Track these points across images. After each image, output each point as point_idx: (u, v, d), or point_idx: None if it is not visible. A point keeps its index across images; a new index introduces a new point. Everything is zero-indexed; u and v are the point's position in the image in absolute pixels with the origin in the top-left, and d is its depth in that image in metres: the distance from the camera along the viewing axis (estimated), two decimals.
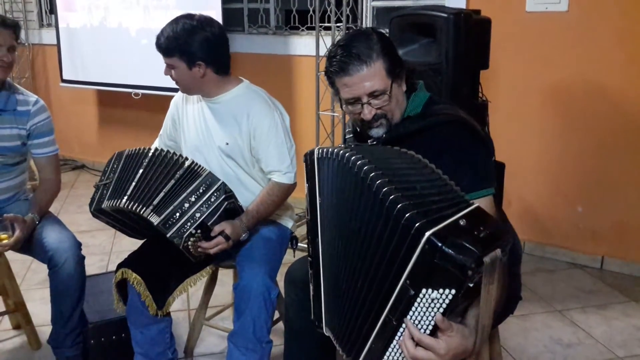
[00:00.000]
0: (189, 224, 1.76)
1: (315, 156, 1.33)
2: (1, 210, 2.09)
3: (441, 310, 1.06)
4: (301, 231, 3.55)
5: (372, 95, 1.40)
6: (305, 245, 3.54)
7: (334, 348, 1.74)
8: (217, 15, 3.67)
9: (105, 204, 1.87)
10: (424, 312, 1.07)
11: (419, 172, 1.22)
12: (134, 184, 1.83)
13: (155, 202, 1.77)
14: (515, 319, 2.52)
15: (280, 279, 1.98)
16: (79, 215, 3.91)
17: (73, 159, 5.18)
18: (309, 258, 1.39)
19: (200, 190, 1.79)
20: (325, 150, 1.31)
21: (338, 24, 3.34)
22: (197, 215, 1.77)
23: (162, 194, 1.78)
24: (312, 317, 1.42)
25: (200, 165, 1.85)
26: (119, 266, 1.91)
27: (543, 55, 3.03)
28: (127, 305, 1.95)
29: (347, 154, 1.22)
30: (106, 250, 3.38)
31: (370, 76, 1.38)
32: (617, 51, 2.87)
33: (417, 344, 1.09)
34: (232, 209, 1.84)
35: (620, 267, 3.06)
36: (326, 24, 3.39)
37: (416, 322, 1.08)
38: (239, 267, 1.89)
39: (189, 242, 1.77)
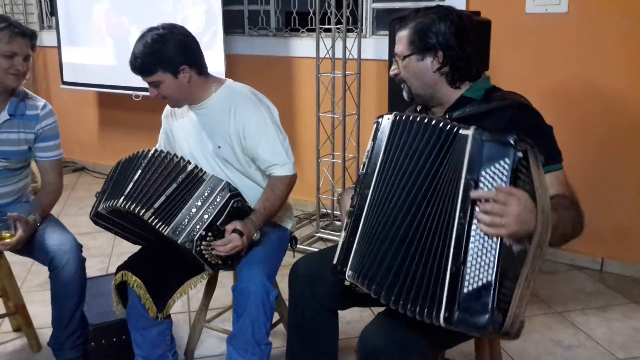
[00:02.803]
0: (197, 226, 1.75)
1: (392, 119, 1.48)
2: (2, 214, 2.09)
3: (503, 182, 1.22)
4: (302, 233, 3.56)
5: (395, 54, 1.61)
6: (306, 247, 3.57)
7: (337, 341, 1.78)
8: (217, 17, 3.68)
9: (101, 206, 1.87)
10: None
11: None
12: (131, 184, 1.82)
13: (156, 206, 1.76)
14: None
15: (281, 280, 1.99)
16: (79, 218, 3.91)
17: (74, 161, 5.18)
18: (350, 208, 1.49)
19: (206, 194, 1.79)
20: (402, 114, 1.48)
21: (338, 26, 3.34)
22: (205, 217, 1.76)
23: (163, 198, 1.77)
24: (334, 262, 1.48)
25: (202, 170, 1.84)
26: (119, 269, 1.91)
27: (543, 57, 3.04)
28: (127, 308, 1.95)
29: (426, 118, 1.42)
30: (107, 252, 3.38)
31: (399, 39, 1.60)
32: (617, 53, 2.87)
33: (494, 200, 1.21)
34: (240, 208, 1.84)
35: (620, 269, 3.06)
36: (326, 26, 3.39)
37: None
38: (238, 269, 1.89)
39: (202, 246, 1.76)
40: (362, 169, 1.51)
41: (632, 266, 3.02)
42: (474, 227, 1.22)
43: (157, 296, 1.87)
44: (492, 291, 1.18)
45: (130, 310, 1.93)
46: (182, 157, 1.88)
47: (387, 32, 3.09)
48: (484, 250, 1.20)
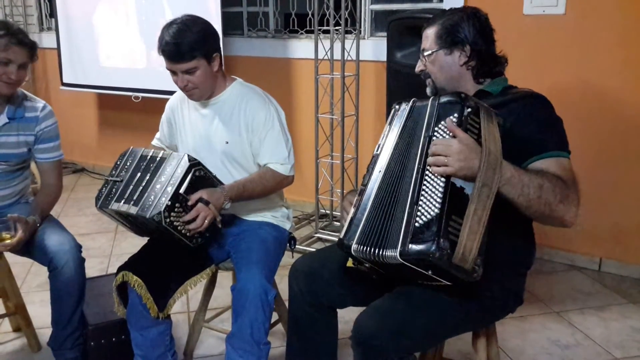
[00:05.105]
0: (163, 198, 1.76)
1: (410, 104, 1.54)
2: (2, 215, 2.10)
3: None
4: (300, 233, 3.57)
5: (422, 50, 1.68)
6: (305, 247, 3.57)
7: (336, 340, 1.80)
8: (216, 19, 3.68)
9: (113, 206, 1.88)
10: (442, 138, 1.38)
11: None
12: (131, 187, 1.85)
13: (135, 197, 1.81)
14: (513, 320, 2.53)
15: (280, 281, 2.00)
16: (79, 218, 3.92)
17: (73, 162, 5.19)
18: (361, 186, 1.55)
19: (168, 170, 1.81)
20: (420, 101, 1.53)
21: (337, 28, 3.35)
22: (169, 189, 1.77)
23: (140, 188, 1.82)
24: (341, 237, 1.50)
25: (168, 153, 1.87)
26: (120, 269, 1.91)
27: (540, 59, 3.05)
28: (127, 308, 1.95)
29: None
30: (106, 252, 3.39)
31: (426, 36, 1.67)
32: (614, 54, 2.89)
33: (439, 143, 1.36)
34: (204, 177, 1.84)
35: (618, 269, 3.07)
36: (325, 28, 3.40)
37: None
38: (237, 269, 1.90)
39: (172, 217, 1.76)
40: (377, 150, 1.55)
41: (630, 266, 3.04)
42: (426, 172, 1.37)
43: (158, 296, 1.87)
44: (438, 222, 1.30)
45: (131, 310, 1.93)
46: (162, 151, 1.89)
47: (385, 34, 3.10)
48: (433, 189, 1.35)
